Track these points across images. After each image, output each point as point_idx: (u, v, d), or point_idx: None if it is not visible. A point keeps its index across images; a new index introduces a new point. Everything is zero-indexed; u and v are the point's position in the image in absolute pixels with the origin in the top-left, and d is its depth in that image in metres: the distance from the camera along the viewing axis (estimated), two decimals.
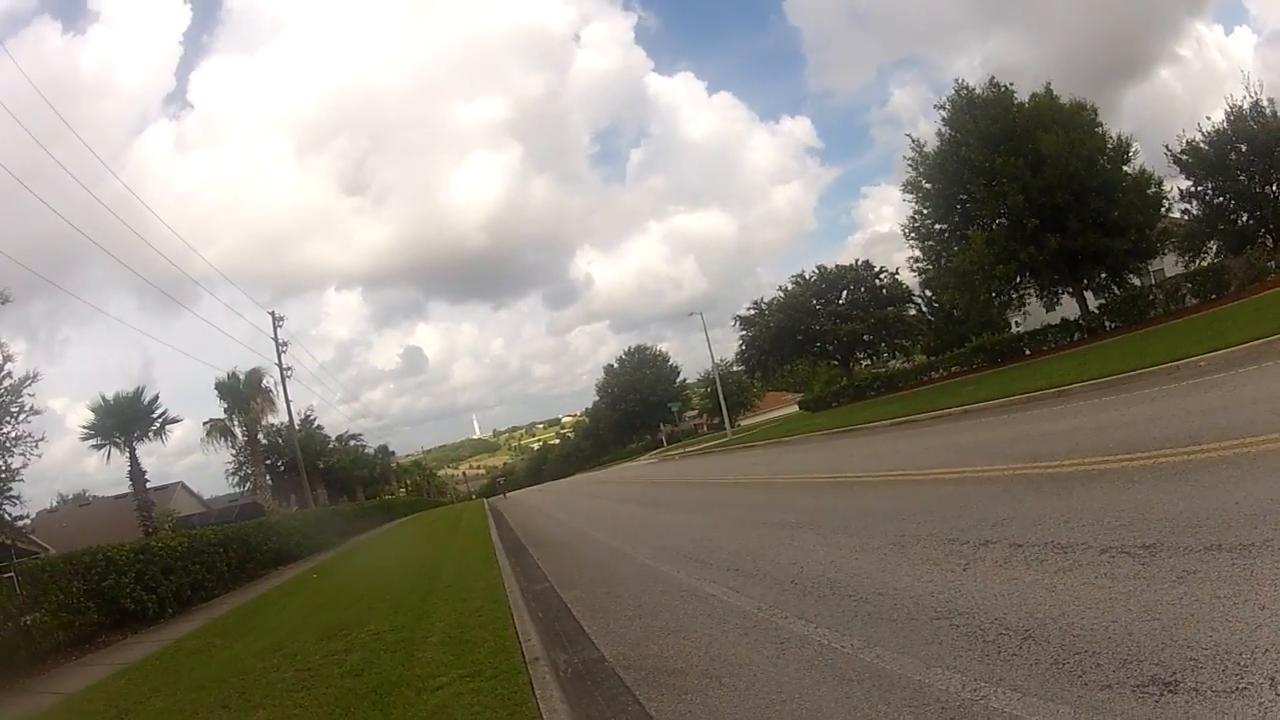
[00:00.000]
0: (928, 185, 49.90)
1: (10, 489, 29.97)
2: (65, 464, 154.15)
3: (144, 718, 9.89)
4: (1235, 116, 45.95)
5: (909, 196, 51.47)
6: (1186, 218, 49.27)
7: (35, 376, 31.99)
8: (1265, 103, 45.36)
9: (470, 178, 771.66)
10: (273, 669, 11.06)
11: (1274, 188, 45.40)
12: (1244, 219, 46.72)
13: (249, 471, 70.72)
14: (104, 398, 53.04)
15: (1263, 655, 4.57)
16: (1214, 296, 40.25)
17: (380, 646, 10.95)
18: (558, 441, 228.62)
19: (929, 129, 60.13)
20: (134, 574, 19.71)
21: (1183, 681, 4.57)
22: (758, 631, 8.10)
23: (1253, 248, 43.12)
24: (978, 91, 48.38)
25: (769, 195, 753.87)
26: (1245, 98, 46.01)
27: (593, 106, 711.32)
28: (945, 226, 50.65)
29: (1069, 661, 5.33)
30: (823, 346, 76.33)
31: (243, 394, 60.73)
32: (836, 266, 77.27)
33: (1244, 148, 45.28)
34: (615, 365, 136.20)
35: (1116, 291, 47.22)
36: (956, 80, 50.06)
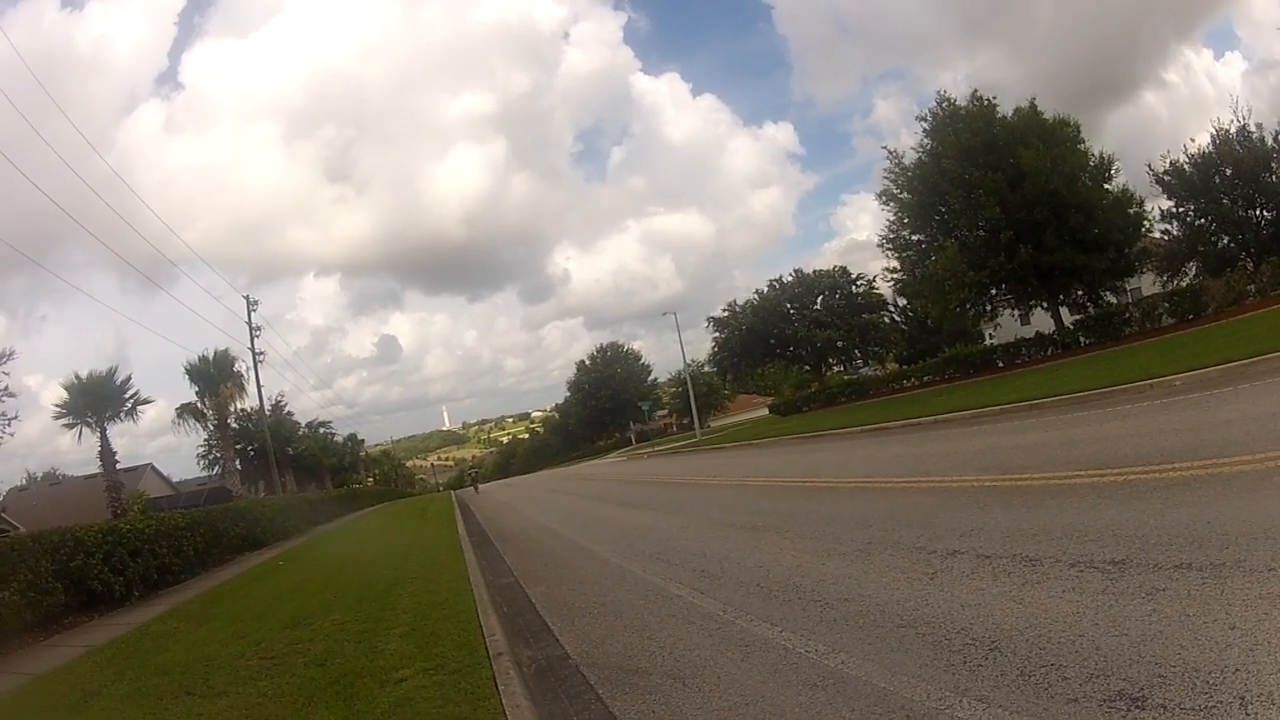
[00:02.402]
0: (905, 196, 49.92)
1: None
2: (37, 442, 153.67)
3: (110, 701, 9.79)
4: (1221, 140, 46.20)
5: (887, 206, 51.55)
6: (1167, 238, 49.43)
7: (10, 354, 31.83)
8: (1253, 127, 45.64)
9: (452, 170, 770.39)
10: (237, 656, 10.97)
11: (1258, 212, 45.66)
12: (1225, 241, 46.96)
13: (218, 455, 70.53)
14: (77, 376, 52.84)
15: (1233, 674, 4.56)
16: (1191, 317, 40.32)
17: (344, 637, 10.89)
18: (527, 436, 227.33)
19: (910, 141, 60.13)
20: (102, 555, 19.46)
21: (1151, 697, 4.55)
22: (722, 633, 8.08)
23: (1233, 270, 43.30)
24: (960, 104, 48.40)
25: (748, 199, 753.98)
26: (1232, 122, 46.31)
27: (577, 104, 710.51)
28: (922, 237, 50.66)
29: (1035, 674, 5.32)
30: (795, 351, 76.51)
31: (213, 377, 60.42)
32: (814, 271, 77.68)
33: (1229, 171, 45.51)
34: (587, 362, 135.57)
35: (1092, 309, 47.21)
36: (939, 92, 50.06)
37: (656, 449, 74.43)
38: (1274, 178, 44.89)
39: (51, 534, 18.58)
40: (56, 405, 53.08)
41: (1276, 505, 7.61)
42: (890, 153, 51.28)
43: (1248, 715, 4.12)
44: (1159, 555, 6.96)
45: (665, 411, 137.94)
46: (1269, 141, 45.19)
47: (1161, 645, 5.21)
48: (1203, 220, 47.34)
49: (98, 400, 52.10)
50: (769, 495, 19.93)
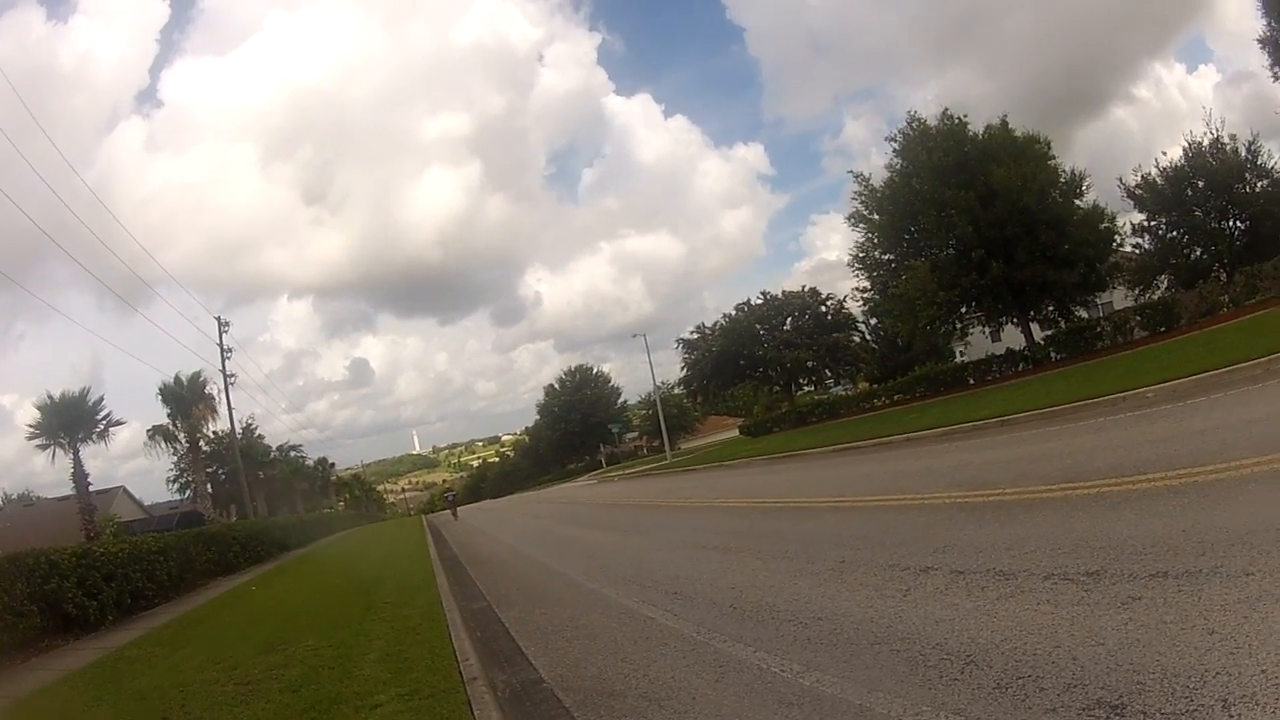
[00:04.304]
0: (875, 216, 50.13)
1: None
2: (13, 462, 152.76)
3: None
4: (1194, 153, 46.79)
5: (857, 228, 51.82)
6: (1138, 251, 49.78)
7: None
8: (1226, 139, 46.11)
9: (427, 192, 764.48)
10: (212, 681, 10.91)
11: (1231, 223, 46.14)
12: (1197, 253, 47.50)
13: (190, 479, 70.32)
14: (50, 396, 52.54)
15: (1213, 678, 4.54)
16: (1163, 329, 40.51)
17: (319, 662, 10.81)
18: (497, 460, 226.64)
19: (880, 160, 60.43)
20: (76, 579, 19.40)
21: (1130, 704, 4.53)
22: (696, 655, 8.05)
23: (1205, 281, 43.58)
24: (930, 124, 48.62)
25: (718, 219, 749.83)
26: (1205, 134, 46.82)
27: (551, 125, 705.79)
28: (892, 256, 50.87)
29: (1012, 686, 5.29)
30: (765, 372, 76.86)
31: (185, 399, 60.17)
32: (783, 293, 78.35)
33: (1201, 183, 46.07)
34: (556, 385, 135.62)
35: (1063, 324, 47.42)
36: (909, 112, 50.28)
37: (627, 471, 74.53)
38: (1247, 188, 45.47)
39: (26, 556, 18.50)
40: (30, 426, 52.91)
41: (1252, 511, 7.64)
42: (858, 177, 51.63)
43: (1231, 717, 4.11)
44: (1134, 565, 6.95)
45: (636, 434, 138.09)
46: (1242, 153, 45.72)
47: (1139, 653, 5.19)
48: (1175, 233, 47.96)
49: (70, 421, 51.79)
50: (741, 516, 19.91)
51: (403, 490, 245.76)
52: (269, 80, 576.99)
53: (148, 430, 61.94)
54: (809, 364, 74.64)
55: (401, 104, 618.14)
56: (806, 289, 77.97)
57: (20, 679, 14.68)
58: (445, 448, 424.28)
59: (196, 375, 60.54)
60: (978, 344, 60.13)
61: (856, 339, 77.38)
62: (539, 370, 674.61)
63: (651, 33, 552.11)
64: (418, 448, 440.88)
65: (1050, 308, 47.83)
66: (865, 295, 54.54)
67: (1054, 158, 46.39)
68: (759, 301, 78.37)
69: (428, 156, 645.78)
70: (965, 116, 48.18)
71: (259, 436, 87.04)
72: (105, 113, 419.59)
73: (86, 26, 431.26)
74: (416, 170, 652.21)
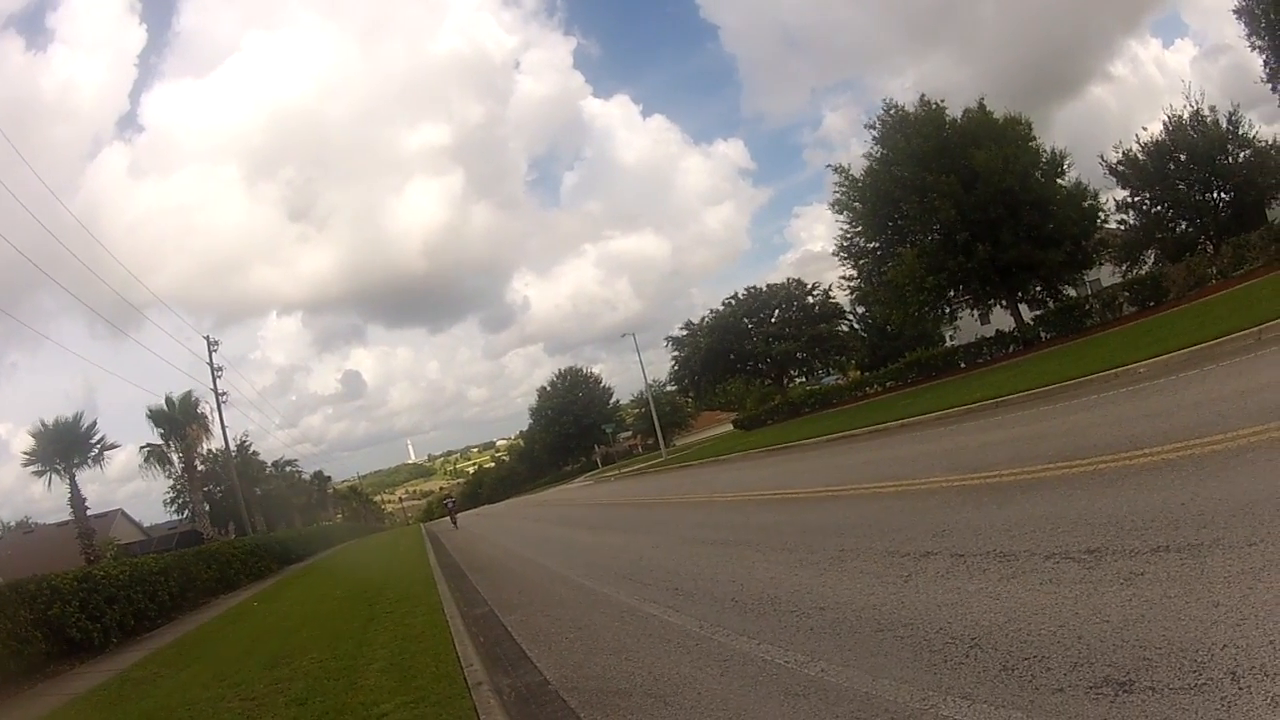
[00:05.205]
0: (858, 205, 49.98)
1: None
2: (12, 490, 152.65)
3: None
4: (1174, 126, 46.49)
5: (840, 217, 51.63)
6: (1124, 228, 49.72)
7: None
8: (1206, 111, 46.00)
9: (411, 203, 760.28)
10: (218, 698, 10.96)
11: (1215, 195, 46.04)
12: (1183, 227, 47.26)
13: (187, 499, 70.33)
14: (44, 423, 52.50)
15: (1220, 651, 4.52)
16: (1152, 304, 40.32)
17: (323, 674, 10.86)
18: (493, 465, 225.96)
19: (860, 150, 60.12)
20: (78, 603, 19.55)
21: (1138, 681, 4.52)
22: (700, 650, 8.04)
23: (1192, 254, 43.44)
24: (909, 110, 48.45)
25: (702, 216, 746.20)
26: (1185, 107, 46.63)
27: (531, 131, 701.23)
28: (877, 244, 50.72)
29: (1018, 667, 5.28)
30: (755, 365, 76.78)
31: (178, 420, 60.06)
32: (768, 286, 78.27)
33: (1184, 157, 45.85)
34: (548, 388, 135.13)
35: (1051, 304, 47.36)
36: (886, 100, 50.23)
37: (624, 470, 74.49)
38: (1229, 160, 45.31)
39: (28, 583, 18.69)
40: (26, 453, 52.86)
41: (1252, 481, 7.62)
42: (838, 170, 51.40)
43: (1240, 689, 4.09)
44: (1135, 541, 6.93)
45: (630, 433, 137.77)
46: (1223, 124, 45.63)
47: (1145, 628, 5.17)
48: (1159, 207, 47.62)
49: (66, 447, 51.80)
50: (738, 510, 19.92)
51: (400, 500, 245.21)
52: (249, 100, 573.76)
53: (141, 448, 61.94)
54: (798, 355, 74.66)
55: (381, 118, 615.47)
56: (791, 281, 78.01)
57: (26, 706, 14.74)
58: (440, 455, 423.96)
59: (188, 395, 60.61)
60: (967, 327, 59.94)
61: (845, 328, 77.37)
62: (531, 374, 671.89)
63: (627, 34, 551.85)
64: (413, 457, 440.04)
65: (1038, 288, 47.77)
66: (852, 284, 54.37)
67: (1035, 138, 46.24)
68: (745, 295, 78.37)
69: (410, 168, 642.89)
70: (943, 101, 48.08)
71: (254, 453, 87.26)
72: (88, 140, 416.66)
73: (66, 55, 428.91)
74: (399, 183, 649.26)
